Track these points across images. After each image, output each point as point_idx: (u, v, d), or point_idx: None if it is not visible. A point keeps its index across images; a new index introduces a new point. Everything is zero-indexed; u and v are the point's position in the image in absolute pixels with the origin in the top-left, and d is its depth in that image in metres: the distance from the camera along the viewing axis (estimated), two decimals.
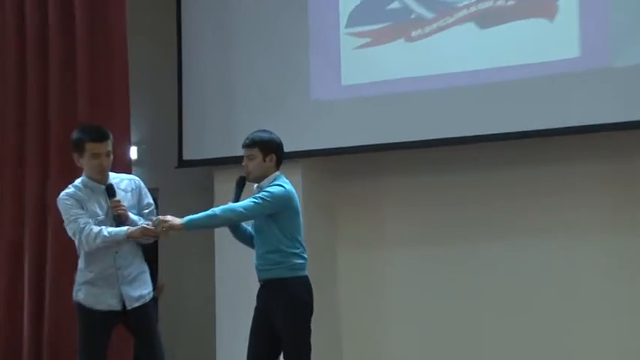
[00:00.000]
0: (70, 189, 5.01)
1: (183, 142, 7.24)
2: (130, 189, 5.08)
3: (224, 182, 6.56)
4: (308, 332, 4.89)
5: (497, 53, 6.43)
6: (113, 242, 4.92)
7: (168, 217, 4.79)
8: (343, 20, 6.80)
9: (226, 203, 4.93)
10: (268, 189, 4.85)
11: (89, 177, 5.02)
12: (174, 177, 7.44)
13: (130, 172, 5.77)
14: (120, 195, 5.00)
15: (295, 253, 4.89)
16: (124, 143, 6.36)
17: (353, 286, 7.17)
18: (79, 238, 4.93)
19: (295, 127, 6.69)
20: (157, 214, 5.11)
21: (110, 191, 4.96)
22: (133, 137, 7.26)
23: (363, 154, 6.89)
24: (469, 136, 6.48)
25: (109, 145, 4.97)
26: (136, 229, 4.90)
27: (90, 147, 4.94)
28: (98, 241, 4.88)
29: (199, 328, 7.44)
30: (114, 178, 5.07)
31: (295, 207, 4.93)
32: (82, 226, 4.91)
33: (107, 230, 4.90)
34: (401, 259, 7.05)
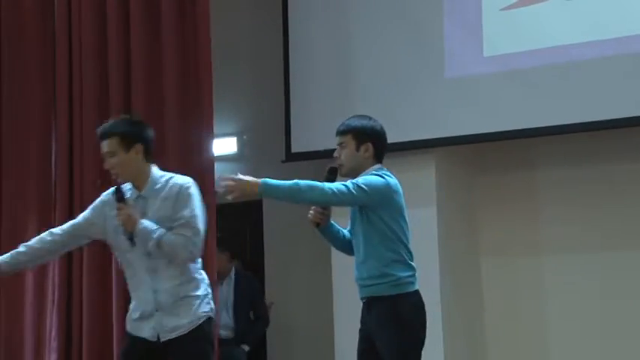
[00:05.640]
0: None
1: (291, 132, 6.92)
2: (167, 196, 4.67)
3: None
4: None
5: None
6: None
7: (241, 177, 4.40)
8: None
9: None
10: (364, 177, 4.53)
11: None
12: (280, 173, 6.64)
13: (211, 171, 5.66)
14: (155, 205, 4.60)
15: (399, 262, 4.49)
16: (207, 136, 6.21)
17: (499, 301, 6.77)
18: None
19: (427, 110, 6.36)
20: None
21: (117, 195, 4.61)
22: (233, 127, 7.44)
23: (511, 141, 6.44)
24: None
25: (105, 146, 4.66)
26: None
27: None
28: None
29: (314, 354, 7.16)
30: (160, 179, 4.67)
31: (399, 204, 4.55)
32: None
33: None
34: (559, 270, 6.60)
